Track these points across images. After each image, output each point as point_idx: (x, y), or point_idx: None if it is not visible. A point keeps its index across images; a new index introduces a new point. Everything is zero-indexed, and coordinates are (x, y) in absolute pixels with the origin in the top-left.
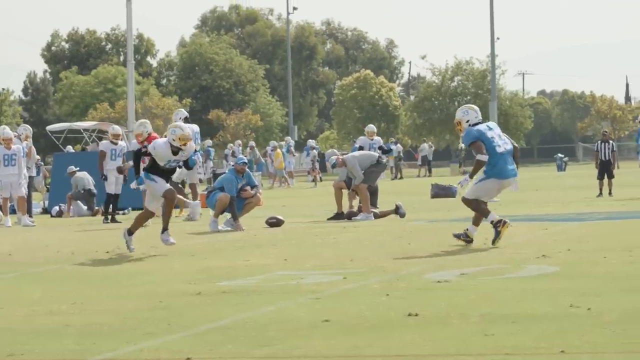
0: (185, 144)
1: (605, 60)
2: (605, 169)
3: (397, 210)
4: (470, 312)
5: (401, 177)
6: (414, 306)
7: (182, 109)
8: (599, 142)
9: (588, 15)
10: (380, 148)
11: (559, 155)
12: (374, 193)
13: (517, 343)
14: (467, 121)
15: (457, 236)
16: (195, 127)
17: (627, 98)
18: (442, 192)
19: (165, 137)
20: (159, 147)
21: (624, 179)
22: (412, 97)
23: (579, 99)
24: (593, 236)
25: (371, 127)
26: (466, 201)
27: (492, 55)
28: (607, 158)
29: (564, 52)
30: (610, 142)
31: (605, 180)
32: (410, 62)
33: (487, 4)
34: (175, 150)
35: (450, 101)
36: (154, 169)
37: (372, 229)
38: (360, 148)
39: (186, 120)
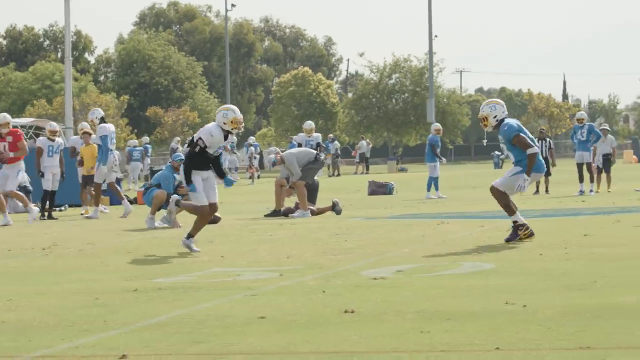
0: (236, 127)
1: (543, 59)
2: None
3: (334, 207)
4: (406, 309)
5: (338, 174)
6: (350, 303)
7: (99, 109)
8: (536, 139)
9: (526, 13)
10: (318, 145)
11: (496, 152)
12: (314, 190)
13: (452, 340)
14: (495, 117)
15: (510, 239)
16: (112, 127)
17: (565, 96)
18: (379, 189)
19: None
20: (215, 132)
21: (560, 176)
22: (350, 95)
23: (517, 96)
24: None
25: (309, 124)
26: (496, 192)
27: (430, 53)
28: (544, 156)
29: (502, 49)
30: (548, 139)
31: (542, 177)
32: (348, 60)
33: (426, 2)
34: (225, 135)
35: (387, 98)
36: (200, 160)
37: (309, 226)
38: (299, 145)
39: (102, 120)
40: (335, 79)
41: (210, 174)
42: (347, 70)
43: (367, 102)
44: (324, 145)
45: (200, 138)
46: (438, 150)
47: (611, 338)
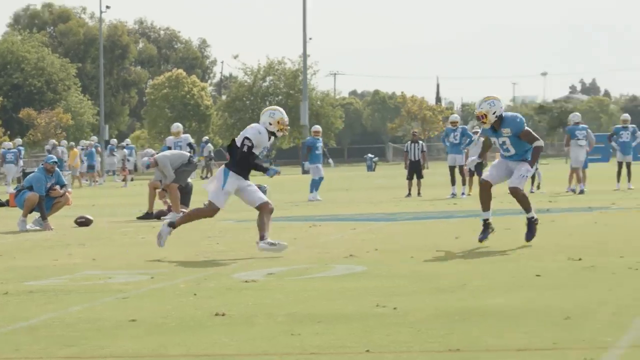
0: (282, 129)
1: (416, 61)
2: (415, 170)
3: None
4: (277, 311)
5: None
6: (221, 306)
7: None
8: (409, 142)
9: (399, 16)
10: (189, 145)
11: (369, 155)
12: (187, 193)
13: (323, 342)
14: (494, 113)
15: (532, 235)
16: None
17: (438, 99)
18: None
19: None
20: (262, 130)
21: (433, 179)
22: (224, 97)
23: (390, 99)
24: (401, 236)
25: (176, 127)
26: (519, 192)
27: (304, 56)
28: (416, 158)
29: (376, 52)
30: (420, 142)
31: (415, 180)
32: (222, 62)
33: (300, 4)
34: (269, 138)
35: (261, 101)
36: (241, 164)
37: (181, 228)
38: (168, 148)
39: None
40: (209, 81)
41: (247, 182)
42: (221, 73)
43: (241, 105)
44: (194, 145)
45: (246, 138)
46: (317, 152)
47: (480, 340)
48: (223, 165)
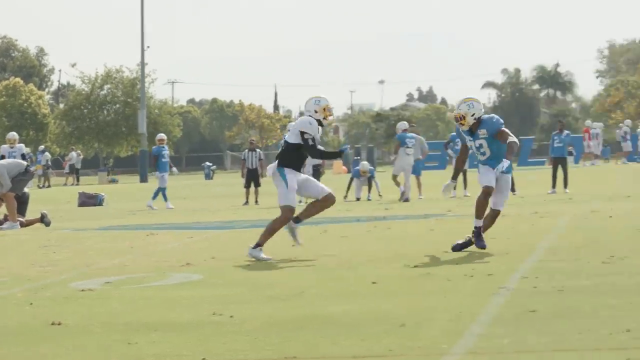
0: (327, 116)
1: (254, 70)
2: (253, 178)
3: (42, 219)
4: (114, 320)
5: (49, 186)
6: (58, 315)
7: None
8: (247, 150)
9: (237, 26)
10: (22, 155)
11: (207, 163)
12: (24, 202)
13: (159, 351)
14: (473, 115)
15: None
16: None
17: (276, 107)
18: (89, 200)
19: None
20: (312, 121)
21: (270, 187)
22: (61, 105)
23: (228, 107)
24: (238, 244)
25: (12, 135)
26: (498, 215)
27: (142, 64)
28: (254, 166)
29: (214, 61)
30: (258, 150)
31: (252, 188)
32: (60, 70)
33: (138, 12)
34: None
35: (99, 109)
36: (296, 159)
37: (18, 238)
38: (2, 157)
39: None
40: (47, 89)
41: (305, 175)
42: (59, 81)
43: (79, 113)
44: (30, 154)
45: (302, 132)
46: (163, 160)
47: (317, 348)
48: (276, 167)
